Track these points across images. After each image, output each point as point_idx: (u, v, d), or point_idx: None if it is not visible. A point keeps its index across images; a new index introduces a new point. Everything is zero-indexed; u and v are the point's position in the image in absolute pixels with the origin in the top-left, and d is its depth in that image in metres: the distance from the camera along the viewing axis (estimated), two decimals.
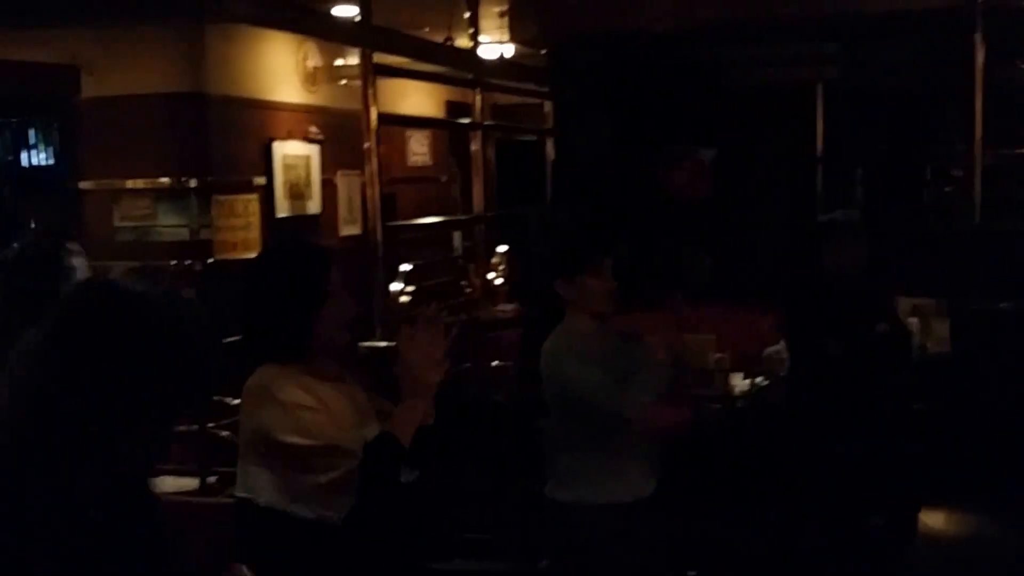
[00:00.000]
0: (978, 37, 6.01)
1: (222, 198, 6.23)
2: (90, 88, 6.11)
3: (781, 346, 5.27)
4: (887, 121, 6.84)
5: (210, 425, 5.69)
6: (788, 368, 5.05)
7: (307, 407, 2.48)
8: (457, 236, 8.45)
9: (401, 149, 8.19)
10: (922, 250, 6.12)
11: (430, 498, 3.19)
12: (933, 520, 5.31)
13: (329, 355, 2.66)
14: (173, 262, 5.99)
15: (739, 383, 5.30)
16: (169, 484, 5.78)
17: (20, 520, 1.34)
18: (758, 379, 5.34)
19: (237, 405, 4.98)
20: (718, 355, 5.28)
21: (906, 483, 4.91)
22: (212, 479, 5.32)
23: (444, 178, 9.08)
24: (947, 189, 6.96)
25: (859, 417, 4.64)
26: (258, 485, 2.51)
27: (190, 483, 5.68)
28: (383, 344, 5.33)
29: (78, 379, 1.37)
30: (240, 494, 2.59)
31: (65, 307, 1.42)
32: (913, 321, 5.42)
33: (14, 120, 6.35)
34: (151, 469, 1.55)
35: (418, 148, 8.62)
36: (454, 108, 8.67)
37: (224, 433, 5.16)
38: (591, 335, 3.49)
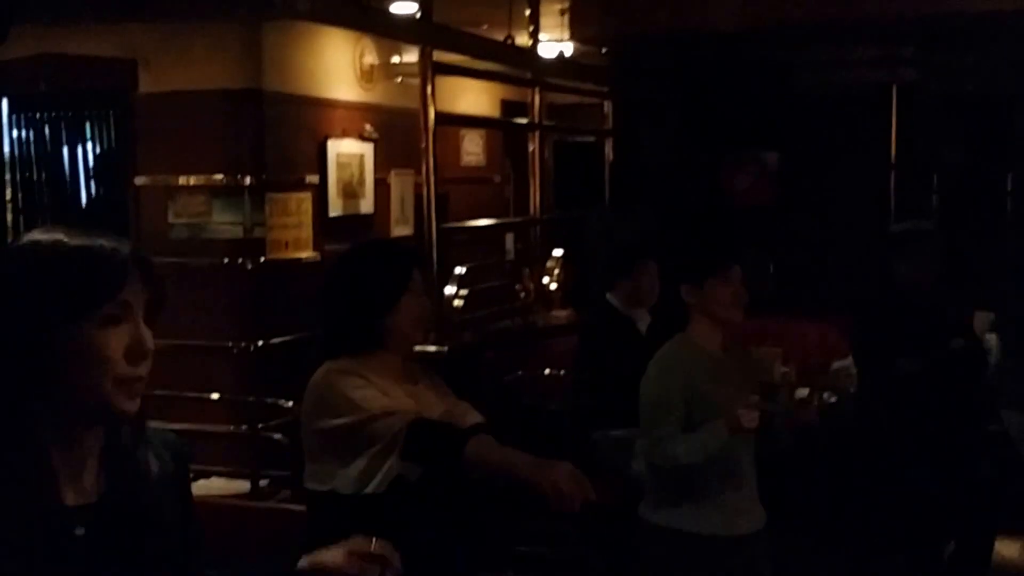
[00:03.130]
0: None
1: (276, 196, 6.16)
2: (147, 83, 6.06)
3: (849, 361, 5.08)
4: (966, 127, 6.63)
5: (261, 427, 5.62)
6: (857, 384, 4.87)
7: (360, 388, 2.51)
8: (509, 239, 8.33)
9: (455, 149, 8.09)
10: (1002, 262, 5.91)
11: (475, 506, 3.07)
12: (1008, 549, 5.09)
13: (403, 353, 2.67)
14: (226, 260, 5.92)
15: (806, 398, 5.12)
16: (220, 487, 5.73)
17: None
18: (825, 395, 5.15)
19: (290, 407, 4.91)
20: (784, 368, 5.09)
21: (980, 509, 4.71)
22: (264, 482, 5.24)
23: (497, 179, 8.97)
24: None
25: (931, 438, 4.47)
26: (335, 475, 2.51)
27: (241, 486, 5.62)
28: (433, 348, 5.21)
29: None
30: (313, 487, 2.59)
31: None
32: (990, 337, 5.21)
33: (71, 113, 6.31)
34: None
35: (472, 148, 8.52)
36: (509, 107, 8.56)
37: (276, 436, 5.08)
38: (708, 350, 3.36)
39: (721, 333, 3.38)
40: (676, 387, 3.24)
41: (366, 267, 2.66)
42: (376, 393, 2.51)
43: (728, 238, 3.59)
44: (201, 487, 5.73)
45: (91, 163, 6.28)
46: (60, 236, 1.48)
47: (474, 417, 2.65)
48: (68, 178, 6.34)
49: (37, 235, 1.50)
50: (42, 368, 1.44)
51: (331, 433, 2.51)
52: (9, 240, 6.45)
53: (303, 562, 1.73)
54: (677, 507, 3.29)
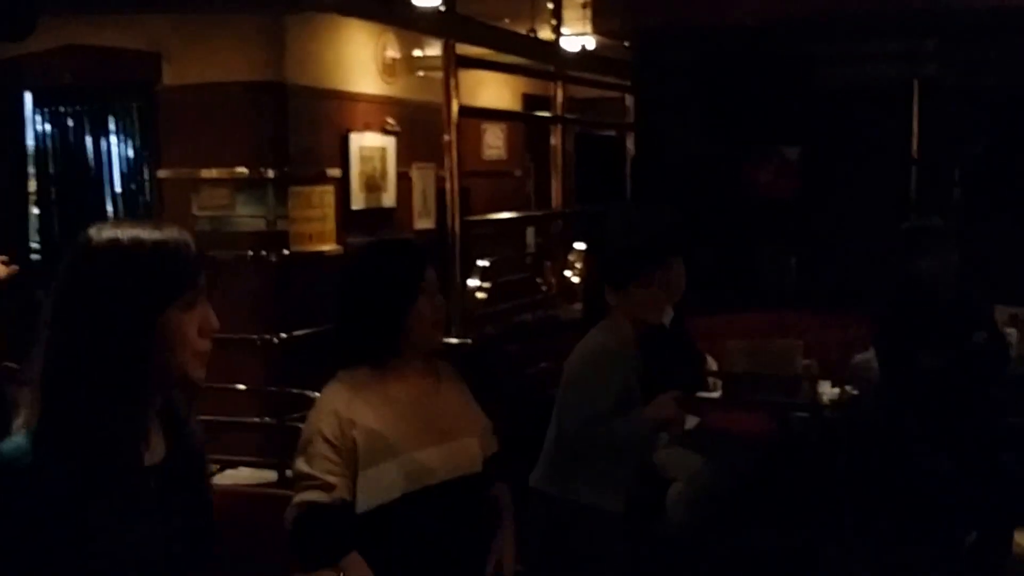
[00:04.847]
0: None
1: (299, 189, 6.19)
2: (170, 76, 6.10)
3: (870, 354, 5.09)
4: (987, 121, 6.60)
5: (287, 418, 5.66)
6: (878, 377, 4.87)
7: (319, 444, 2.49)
8: (530, 232, 8.36)
9: (476, 142, 8.11)
10: (1023, 256, 5.89)
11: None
12: None
13: (421, 353, 2.61)
14: (250, 252, 5.95)
15: (827, 391, 5.13)
16: (247, 476, 5.78)
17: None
18: (847, 387, 5.16)
19: (315, 398, 4.94)
20: (806, 361, 5.10)
21: (1000, 500, 4.71)
22: (290, 472, 5.28)
23: (518, 172, 8.99)
24: None
25: (953, 430, 4.47)
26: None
27: (268, 475, 5.67)
28: (456, 340, 5.24)
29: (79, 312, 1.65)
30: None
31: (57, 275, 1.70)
32: (1011, 332, 5.20)
33: (94, 106, 6.34)
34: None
35: (493, 141, 8.53)
36: (530, 101, 8.58)
37: (302, 426, 5.12)
38: (628, 346, 3.36)
39: (635, 331, 3.40)
40: (615, 373, 3.28)
41: (376, 273, 2.58)
42: (326, 455, 2.45)
43: (659, 240, 3.57)
44: (228, 476, 5.78)
45: (115, 156, 6.31)
46: (136, 232, 1.68)
47: (458, 464, 2.59)
48: (92, 171, 6.37)
49: (111, 232, 1.68)
50: (139, 350, 1.65)
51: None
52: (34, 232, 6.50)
53: None
54: (576, 480, 3.29)
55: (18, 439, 1.63)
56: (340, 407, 2.49)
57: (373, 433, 2.47)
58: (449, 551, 2.53)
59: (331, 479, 2.44)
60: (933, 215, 5.07)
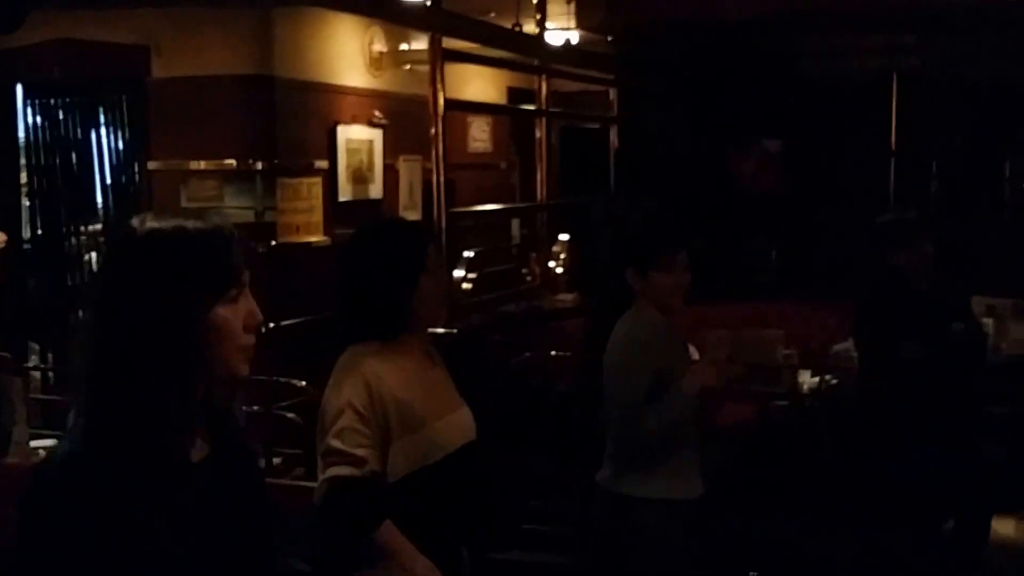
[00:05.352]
0: None
1: (287, 181, 6.24)
2: (160, 69, 6.14)
3: (849, 344, 5.17)
4: (965, 115, 6.68)
5: (275, 407, 5.71)
6: (857, 366, 4.95)
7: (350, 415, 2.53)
8: (515, 224, 8.42)
9: (462, 135, 8.17)
10: (999, 248, 5.98)
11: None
12: (1005, 527, 5.18)
13: (424, 331, 2.69)
14: None
15: (808, 380, 5.21)
16: None
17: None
18: (827, 377, 5.25)
19: (303, 387, 4.99)
20: (786, 351, 5.19)
21: (978, 488, 4.79)
22: (277, 460, 5.34)
23: (503, 165, 9.05)
24: None
25: (932, 419, 4.55)
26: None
27: None
28: (443, 330, 5.30)
29: (129, 305, 1.59)
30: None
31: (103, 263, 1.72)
32: (988, 322, 5.29)
33: (84, 99, 6.38)
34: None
35: (479, 134, 8.59)
36: (515, 94, 8.63)
37: (290, 415, 5.17)
38: (657, 330, 3.43)
39: (662, 315, 3.45)
40: (644, 363, 3.32)
41: (383, 249, 2.64)
42: (356, 428, 2.50)
43: (677, 227, 3.63)
44: None
45: (105, 149, 6.35)
46: (181, 224, 1.62)
47: (465, 432, 2.69)
48: (82, 163, 6.41)
49: (156, 224, 1.62)
50: (187, 346, 1.59)
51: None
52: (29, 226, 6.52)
53: None
54: (635, 474, 3.36)
55: (69, 438, 1.61)
56: (370, 378, 2.53)
57: (402, 403, 2.54)
58: (462, 514, 2.65)
59: (361, 452, 2.49)
60: (910, 207, 5.15)
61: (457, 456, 2.62)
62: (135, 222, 1.63)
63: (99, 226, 6.45)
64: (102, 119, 6.34)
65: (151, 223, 1.62)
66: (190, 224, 1.63)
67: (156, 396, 1.57)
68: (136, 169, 6.27)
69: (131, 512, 1.54)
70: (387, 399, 2.52)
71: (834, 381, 5.27)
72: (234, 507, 1.70)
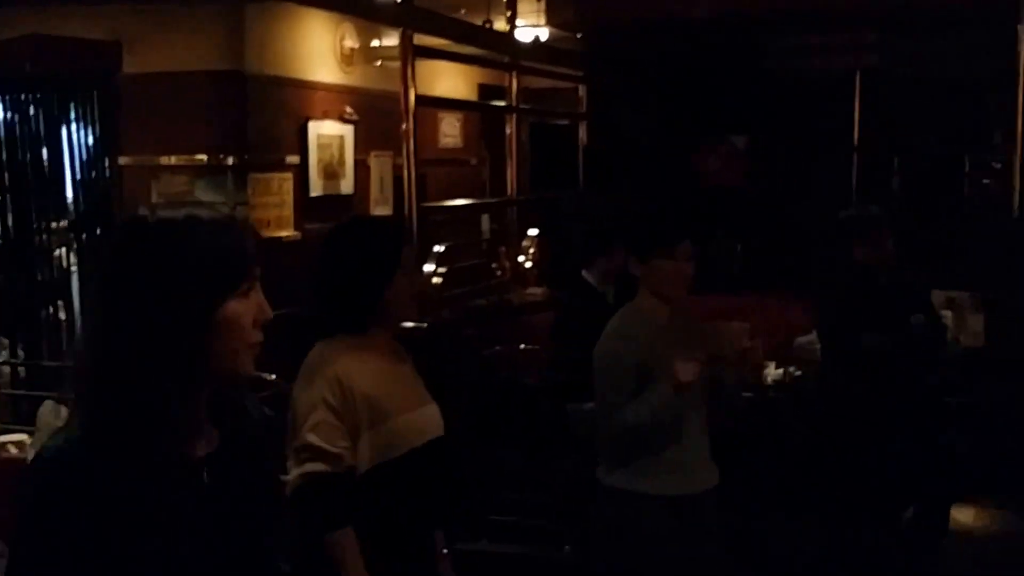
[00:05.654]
0: (1022, 28, 5.94)
1: (258, 176, 6.26)
2: (131, 64, 6.14)
3: (812, 336, 5.26)
4: (927, 112, 6.80)
5: None
6: (820, 358, 5.04)
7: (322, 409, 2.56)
8: (485, 219, 8.47)
9: (433, 131, 8.20)
10: (959, 243, 6.09)
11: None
12: (964, 515, 5.29)
13: (396, 328, 2.72)
14: None
15: (772, 372, 5.30)
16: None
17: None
18: (791, 368, 5.34)
19: (272, 380, 5.03)
20: (749, 343, 5.25)
21: (938, 477, 4.89)
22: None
23: (474, 160, 9.09)
24: (985, 181, 6.92)
25: (893, 409, 4.63)
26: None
27: None
28: (412, 325, 5.35)
29: (133, 297, 1.53)
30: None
31: (104, 250, 1.60)
32: (947, 314, 5.40)
33: (56, 95, 6.37)
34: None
35: (449, 130, 8.63)
36: (486, 91, 8.67)
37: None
38: (648, 322, 3.41)
39: (666, 306, 3.43)
40: (627, 356, 3.31)
41: (359, 245, 2.67)
42: (329, 423, 2.54)
43: (680, 217, 3.65)
44: None
45: (76, 144, 6.34)
46: (192, 213, 1.56)
47: (432, 428, 2.73)
48: (53, 159, 6.40)
49: (165, 213, 1.57)
50: (195, 341, 1.54)
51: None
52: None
53: None
54: (628, 469, 3.34)
55: (66, 433, 1.55)
56: (340, 372, 2.56)
57: (371, 398, 2.58)
58: (429, 508, 2.69)
59: (336, 448, 2.53)
60: (872, 203, 5.25)
61: (423, 451, 2.65)
62: (142, 211, 1.57)
63: (69, 222, 6.45)
64: (73, 115, 6.33)
65: (160, 213, 1.57)
66: (203, 214, 1.57)
67: (159, 394, 1.52)
68: (107, 164, 6.27)
69: (130, 512, 1.50)
70: (357, 394, 2.55)
71: (798, 373, 5.36)
72: (236, 504, 1.64)
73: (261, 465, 1.74)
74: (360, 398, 2.56)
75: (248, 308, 1.58)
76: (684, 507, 3.35)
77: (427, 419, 2.72)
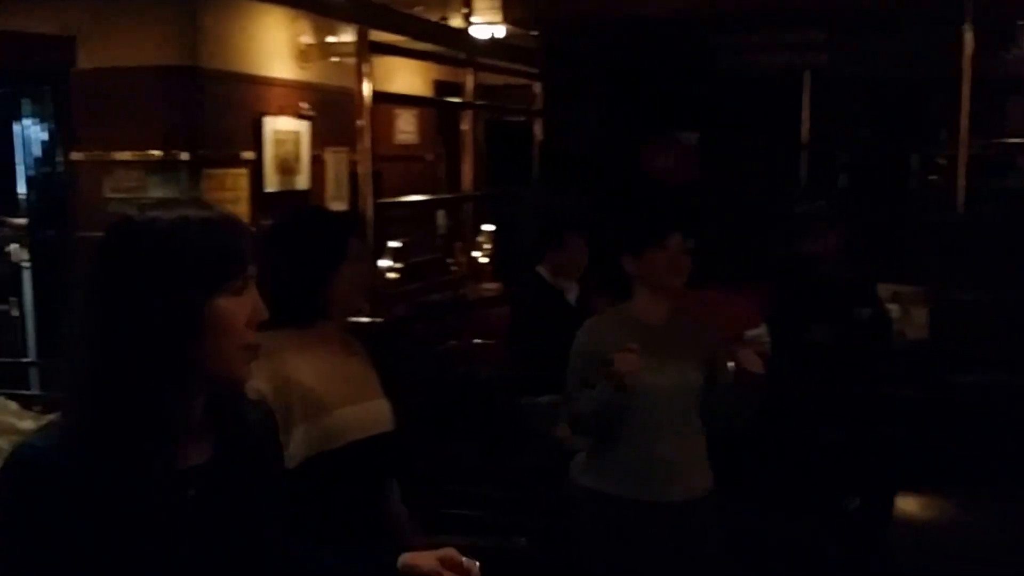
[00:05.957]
0: (967, 27, 6.08)
1: (212, 172, 6.24)
2: (85, 59, 6.11)
3: (762, 329, 5.32)
4: (873, 109, 6.92)
5: None
6: (770, 351, 5.11)
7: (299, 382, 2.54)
8: (441, 214, 8.50)
9: (389, 127, 8.21)
10: (905, 238, 6.20)
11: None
12: (908, 505, 5.40)
13: (343, 319, 2.70)
14: None
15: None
16: None
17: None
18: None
19: None
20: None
21: (882, 468, 4.98)
22: None
23: (430, 156, 9.11)
24: (931, 178, 7.06)
25: (839, 401, 4.71)
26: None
27: None
28: (367, 320, 5.38)
29: (124, 297, 1.50)
30: None
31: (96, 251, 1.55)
32: (893, 308, 5.50)
33: (9, 90, 6.32)
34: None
35: (405, 126, 8.64)
36: (441, 87, 8.70)
37: None
38: (624, 318, 3.35)
39: (664, 302, 3.39)
40: (591, 347, 3.27)
41: (303, 235, 2.65)
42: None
43: (665, 209, 3.64)
44: None
45: (29, 140, 6.30)
46: (182, 211, 1.53)
47: (377, 422, 2.69)
48: (5, 154, 6.36)
49: (153, 212, 1.54)
50: (184, 340, 1.50)
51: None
52: None
53: (401, 559, 1.85)
54: (602, 470, 3.29)
55: (49, 433, 1.51)
56: (276, 364, 2.50)
57: (307, 389, 2.54)
58: (367, 506, 2.66)
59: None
60: (820, 200, 5.35)
61: (365, 444, 2.62)
62: (132, 211, 1.54)
63: (23, 220, 6.41)
64: (26, 110, 6.29)
65: (150, 212, 1.54)
66: (192, 211, 1.54)
67: (154, 397, 1.49)
68: (60, 160, 6.24)
69: (109, 515, 1.46)
70: (292, 385, 2.52)
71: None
72: (223, 520, 1.59)
73: (261, 468, 1.69)
74: (295, 389, 2.53)
75: (242, 307, 1.55)
76: (661, 513, 3.26)
77: (372, 413, 2.69)
